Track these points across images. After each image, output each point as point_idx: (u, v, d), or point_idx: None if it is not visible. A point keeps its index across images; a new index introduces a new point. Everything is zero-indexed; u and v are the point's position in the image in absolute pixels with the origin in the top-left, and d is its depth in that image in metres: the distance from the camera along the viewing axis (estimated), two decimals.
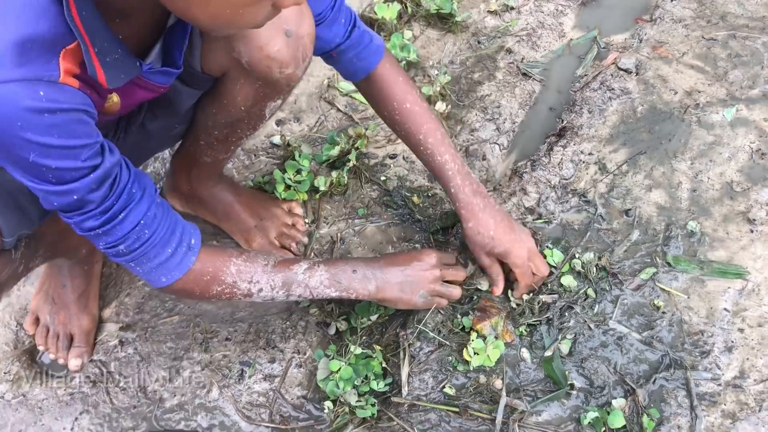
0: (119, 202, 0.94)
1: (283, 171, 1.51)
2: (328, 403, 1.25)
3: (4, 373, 1.37)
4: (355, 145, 1.56)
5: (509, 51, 1.73)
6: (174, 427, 1.28)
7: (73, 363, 1.37)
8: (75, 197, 0.89)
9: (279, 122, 1.66)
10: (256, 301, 1.17)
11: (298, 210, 1.49)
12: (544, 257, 1.35)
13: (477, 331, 1.29)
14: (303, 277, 1.15)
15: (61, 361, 1.38)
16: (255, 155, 1.61)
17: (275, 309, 1.40)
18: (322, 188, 1.50)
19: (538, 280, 1.33)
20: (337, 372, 1.25)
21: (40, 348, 1.39)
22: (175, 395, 1.32)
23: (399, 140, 1.36)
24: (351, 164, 1.52)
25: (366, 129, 1.59)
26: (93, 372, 1.36)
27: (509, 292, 1.33)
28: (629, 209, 1.43)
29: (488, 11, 1.81)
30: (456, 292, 1.29)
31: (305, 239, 1.47)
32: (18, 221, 1.06)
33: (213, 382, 1.32)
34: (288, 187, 1.50)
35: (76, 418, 1.31)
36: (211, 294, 1.10)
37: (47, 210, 0.94)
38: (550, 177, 1.49)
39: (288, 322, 1.38)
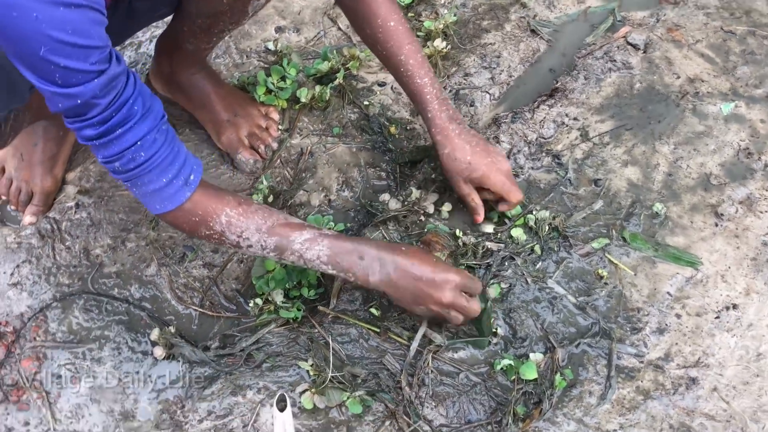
0: (118, 115, 0.98)
1: (268, 75, 1.57)
2: (257, 300, 1.32)
3: None
4: (346, 65, 1.61)
5: (524, 5, 1.76)
6: (107, 291, 1.36)
7: (28, 219, 1.46)
8: (78, 101, 0.93)
9: (278, 29, 1.71)
10: (246, 253, 1.20)
11: (275, 115, 1.56)
12: None
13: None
14: (299, 247, 1.15)
15: (15, 214, 1.47)
16: (247, 56, 1.67)
17: None
18: (302, 100, 1.56)
19: (512, 207, 1.38)
20: (271, 271, 1.32)
21: (10, 207, 1.48)
22: (115, 263, 1.40)
23: None
24: (337, 82, 1.58)
25: (361, 52, 1.64)
26: (44, 227, 1.45)
27: (457, 230, 1.38)
28: (599, 179, 1.47)
29: None
30: (458, 321, 1.22)
31: (275, 145, 1.53)
32: (9, 97, 1.11)
33: (154, 258, 1.40)
34: (269, 91, 1.57)
35: (18, 266, 1.40)
36: (199, 235, 1.13)
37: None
38: (528, 132, 1.54)
39: None
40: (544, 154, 1.51)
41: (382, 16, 1.30)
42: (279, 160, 1.53)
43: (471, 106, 1.62)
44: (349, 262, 1.16)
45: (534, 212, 1.41)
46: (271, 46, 1.66)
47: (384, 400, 1.23)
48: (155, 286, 1.38)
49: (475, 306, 1.22)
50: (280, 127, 1.56)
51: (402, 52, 1.31)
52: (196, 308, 1.36)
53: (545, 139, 1.54)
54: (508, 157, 1.50)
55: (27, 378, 1.29)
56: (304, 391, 1.24)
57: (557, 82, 1.63)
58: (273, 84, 1.56)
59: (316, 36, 1.71)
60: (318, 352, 1.28)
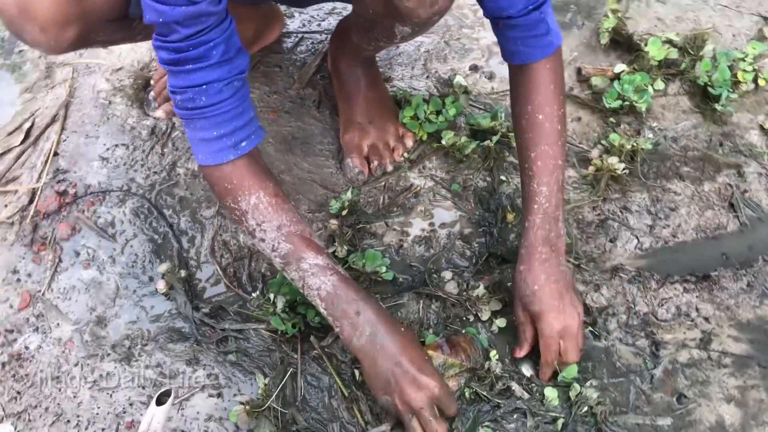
0: (194, 51, 1.00)
1: (426, 102, 1.52)
2: (259, 294, 1.28)
3: (119, 84, 1.61)
4: (507, 134, 1.50)
5: (741, 174, 1.51)
6: (161, 208, 1.41)
7: (159, 113, 1.57)
8: (161, 20, 0.97)
9: (473, 67, 1.65)
10: (256, 245, 1.16)
11: (408, 141, 1.51)
12: None
13: (428, 354, 1.22)
14: (306, 267, 1.10)
15: (153, 104, 1.58)
16: (427, 75, 1.63)
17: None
18: (443, 142, 1.48)
19: (563, 365, 1.22)
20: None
21: (153, 94, 1.60)
22: (186, 189, 1.46)
23: None
24: (487, 144, 1.47)
25: None
26: (160, 127, 1.55)
27: (494, 353, 1.23)
28: (687, 397, 1.23)
29: (759, 125, 1.58)
30: None
31: (390, 167, 1.48)
32: None
33: (217, 206, 1.42)
34: (416, 118, 1.51)
35: (117, 146, 1.53)
36: (224, 203, 1.12)
37: None
38: (640, 302, 1.33)
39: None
40: (643, 334, 1.29)
41: (535, 104, 1.19)
42: (384, 184, 1.47)
43: (610, 241, 1.43)
44: (344, 311, 1.09)
45: (583, 384, 1.21)
46: (458, 79, 1.60)
47: None
48: (201, 228, 1.41)
49: (439, 428, 1.08)
50: (406, 155, 1.50)
51: (535, 149, 1.20)
52: (218, 269, 1.36)
53: (656, 320, 1.31)
54: (597, 316, 1.30)
55: (55, 238, 1.39)
56: (241, 403, 1.18)
57: (716, 271, 1.37)
58: (425, 113, 1.50)
59: (503, 92, 1.62)
60: (279, 376, 1.22)
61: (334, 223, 1.38)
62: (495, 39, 1.26)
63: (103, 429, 1.19)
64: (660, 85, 1.63)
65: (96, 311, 1.32)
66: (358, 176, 1.47)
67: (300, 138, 1.52)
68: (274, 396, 1.20)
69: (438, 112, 1.53)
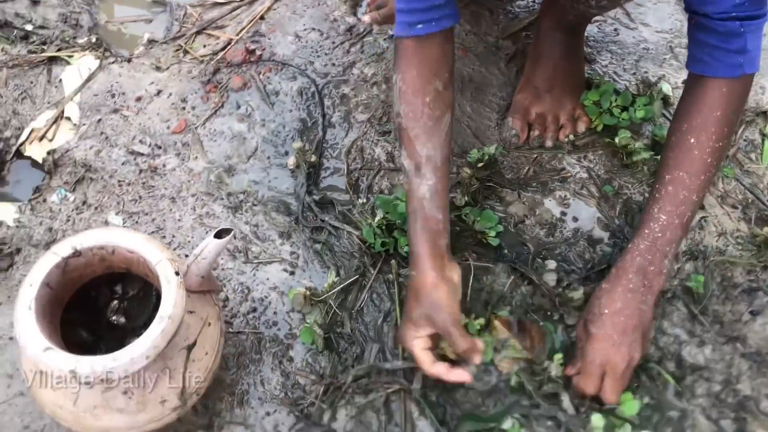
0: None
1: (616, 94, 1.44)
2: (364, 200, 1.33)
3: None
4: None
5: None
6: (331, 91, 1.50)
7: (366, 18, 1.63)
8: None
9: None
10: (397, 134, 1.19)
11: (582, 126, 1.46)
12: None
13: (492, 331, 1.19)
14: (423, 175, 1.14)
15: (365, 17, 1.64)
16: (634, 73, 1.54)
17: None
18: (616, 140, 1.40)
19: (594, 399, 1.16)
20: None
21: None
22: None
23: None
24: None
25: None
26: (361, 24, 1.62)
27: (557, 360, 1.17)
28: None
29: None
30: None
31: (549, 143, 1.44)
32: None
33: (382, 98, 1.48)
34: (599, 104, 1.43)
35: (314, 29, 1.62)
36: (394, 74, 1.16)
37: None
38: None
39: None
40: (732, 416, 1.15)
41: (693, 124, 1.09)
42: (536, 156, 1.43)
43: (750, 313, 1.28)
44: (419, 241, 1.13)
45: (637, 429, 1.11)
46: (663, 84, 1.49)
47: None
48: (349, 127, 1.47)
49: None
50: (572, 137, 1.44)
51: (672, 173, 1.10)
52: (346, 167, 1.42)
53: (756, 409, 1.16)
54: (689, 373, 1.17)
55: (227, 86, 1.52)
56: (305, 287, 1.24)
57: None
58: (610, 103, 1.43)
59: None
60: (349, 280, 1.26)
61: (467, 171, 1.37)
62: None
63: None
64: None
65: (231, 160, 1.44)
66: (513, 138, 1.44)
67: (476, 83, 1.52)
68: (335, 292, 1.24)
69: (625, 109, 1.44)
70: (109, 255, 1.04)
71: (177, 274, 0.99)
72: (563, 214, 1.38)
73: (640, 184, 1.40)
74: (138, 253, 1.01)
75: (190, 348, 1.04)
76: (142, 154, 1.46)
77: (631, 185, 1.41)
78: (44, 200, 1.42)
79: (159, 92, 1.54)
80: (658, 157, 1.39)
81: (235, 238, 1.32)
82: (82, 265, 1.04)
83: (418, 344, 1.11)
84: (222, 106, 1.51)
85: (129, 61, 1.61)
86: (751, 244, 1.35)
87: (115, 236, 1.03)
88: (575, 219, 1.38)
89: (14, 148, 1.52)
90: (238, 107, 1.51)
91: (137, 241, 1.02)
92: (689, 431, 1.16)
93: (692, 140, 1.09)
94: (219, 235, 1.03)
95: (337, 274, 1.29)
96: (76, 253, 1.02)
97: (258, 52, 1.57)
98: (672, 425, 1.16)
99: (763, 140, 1.47)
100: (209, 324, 1.08)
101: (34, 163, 1.50)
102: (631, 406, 1.16)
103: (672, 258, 1.10)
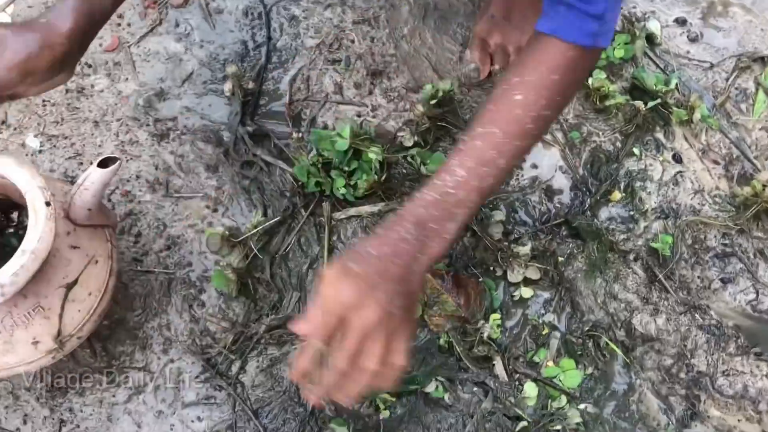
0: None
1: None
2: (299, 135, 1.21)
3: None
4: (667, 104, 1.24)
5: None
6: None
7: None
8: None
9: (681, 21, 1.36)
10: None
11: None
12: None
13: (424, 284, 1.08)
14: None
15: None
16: None
17: None
18: (589, 81, 1.25)
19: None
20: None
21: None
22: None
23: None
24: (638, 105, 1.23)
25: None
26: None
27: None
28: None
29: None
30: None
31: None
32: None
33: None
34: None
35: None
36: None
37: None
38: None
39: None
40: (683, 392, 1.04)
41: (524, 80, 0.87)
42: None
43: (721, 280, 1.15)
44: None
45: (573, 402, 1.00)
46: (651, 21, 1.34)
47: None
48: (295, 54, 1.33)
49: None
50: None
51: (486, 126, 0.86)
52: (287, 97, 1.29)
53: (711, 388, 1.05)
54: (638, 344, 1.05)
55: (167, 3, 1.39)
56: (223, 227, 1.13)
57: None
58: None
59: (699, 62, 1.33)
60: (275, 220, 1.15)
61: (419, 109, 1.24)
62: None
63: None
64: None
65: (163, 83, 1.32)
66: (471, 72, 1.30)
67: (441, 10, 1.37)
68: (258, 234, 1.13)
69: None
70: None
71: (48, 204, 0.88)
72: (522, 160, 1.25)
73: (612, 132, 1.26)
74: (8, 179, 0.90)
75: (69, 287, 0.93)
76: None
77: (601, 132, 1.26)
78: None
79: None
80: (636, 102, 1.25)
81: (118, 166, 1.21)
82: None
83: None
84: (160, 23, 1.37)
85: None
86: (730, 205, 1.22)
87: None
88: (535, 166, 1.24)
89: None
90: (177, 26, 1.37)
91: (8, 166, 0.91)
92: (635, 407, 1.06)
93: (519, 97, 0.87)
94: (105, 164, 0.92)
95: (264, 215, 1.18)
96: None
97: None
98: (616, 399, 1.06)
99: (757, 89, 1.32)
100: (96, 262, 0.97)
101: None
102: (572, 377, 1.06)
103: (459, 227, 0.84)
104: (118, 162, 0.93)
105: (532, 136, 0.90)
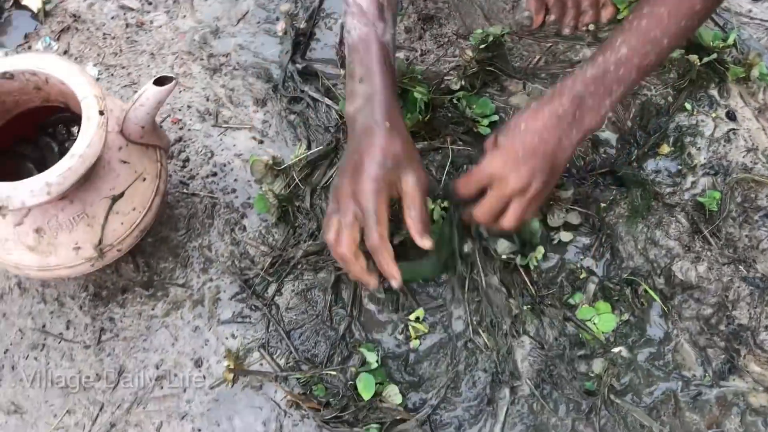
0: None
1: None
2: None
3: None
4: (724, 60, 1.21)
5: None
6: None
7: None
8: None
9: None
10: None
11: (605, 15, 1.29)
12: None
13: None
14: (347, 4, 0.98)
15: None
16: None
17: None
18: None
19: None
20: None
21: None
22: None
23: None
24: (693, 60, 1.20)
25: None
26: None
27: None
28: None
29: None
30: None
31: (566, 31, 1.28)
32: None
33: None
34: None
35: None
36: None
37: None
38: None
39: None
40: (723, 345, 1.01)
41: None
42: (550, 46, 1.27)
43: None
44: (353, 71, 0.96)
45: (605, 337, 0.99)
46: None
47: None
48: None
49: (345, 238, 0.93)
50: (592, 27, 1.27)
51: (653, 6, 0.90)
52: (337, 37, 1.30)
53: (753, 343, 1.01)
54: (678, 292, 1.03)
55: None
56: (271, 156, 1.15)
57: None
58: None
59: (761, 21, 1.29)
60: (319, 155, 1.16)
61: (468, 54, 1.24)
62: None
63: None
64: None
65: (219, 22, 1.35)
66: (525, 20, 1.29)
67: None
68: (301, 165, 1.15)
69: None
70: (44, 84, 0.96)
71: (101, 113, 0.91)
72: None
73: (664, 86, 1.24)
74: (68, 86, 0.94)
75: (115, 199, 0.97)
76: (132, 9, 1.38)
77: (653, 87, 1.24)
78: (29, 47, 1.36)
79: None
80: (690, 56, 1.22)
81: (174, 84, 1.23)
82: (16, 89, 0.98)
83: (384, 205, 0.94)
84: None
85: None
86: None
87: (48, 63, 0.95)
88: None
89: None
90: None
91: (70, 72, 0.94)
92: (670, 356, 1.03)
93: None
94: (161, 82, 0.95)
95: (308, 147, 1.19)
96: (8, 75, 0.95)
97: None
98: (651, 347, 1.04)
99: None
100: (144, 179, 1.00)
101: (36, 16, 1.45)
102: (607, 320, 1.04)
103: (614, 102, 0.92)
104: (174, 81, 0.96)
105: (699, 17, 0.93)
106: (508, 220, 0.94)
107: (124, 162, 0.99)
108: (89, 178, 0.95)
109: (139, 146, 1.01)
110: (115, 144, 0.99)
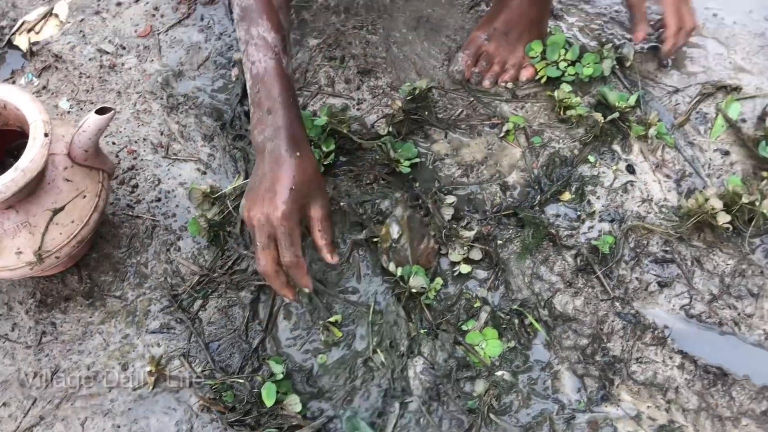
0: None
1: (566, 49, 1.39)
2: None
3: None
4: (626, 118, 1.33)
5: None
6: None
7: None
8: None
9: (656, 48, 1.45)
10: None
11: (525, 75, 1.43)
12: None
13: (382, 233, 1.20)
14: (254, 33, 1.08)
15: None
16: (600, 33, 1.48)
17: None
18: (556, 93, 1.36)
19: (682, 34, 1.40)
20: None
21: None
22: None
23: None
24: (598, 117, 1.32)
25: None
26: None
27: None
28: None
29: None
30: (259, 261, 1.04)
31: (487, 83, 1.41)
32: None
33: None
34: (545, 57, 1.39)
35: None
36: None
37: None
38: None
39: None
40: (596, 372, 1.09)
41: None
42: (472, 100, 1.40)
43: (659, 284, 1.22)
44: (260, 101, 1.06)
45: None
46: (626, 47, 1.43)
47: None
48: (300, 45, 1.49)
49: (261, 256, 1.02)
50: (511, 85, 1.40)
51: None
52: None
53: (625, 372, 1.10)
54: (555, 323, 1.12)
55: None
56: (210, 184, 1.28)
57: (744, 377, 1.10)
58: (559, 55, 1.38)
59: (668, 87, 1.41)
60: None
61: (397, 104, 1.37)
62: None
63: (116, 146, 1.39)
64: None
65: (183, 66, 1.49)
66: (456, 73, 1.43)
67: (433, 23, 1.51)
68: (235, 194, 1.27)
69: (573, 63, 1.39)
70: (2, 109, 1.11)
71: (46, 135, 1.04)
72: (486, 157, 1.35)
73: (572, 140, 1.36)
74: (21, 111, 1.08)
75: (56, 211, 1.10)
76: (108, 53, 1.54)
77: (561, 140, 1.36)
78: (14, 81, 1.52)
79: (138, 0, 1.62)
80: (596, 114, 1.34)
81: (112, 115, 1.37)
82: None
83: (296, 229, 1.04)
84: (188, 16, 1.56)
85: None
86: (675, 215, 1.28)
87: (6, 92, 1.09)
88: (495, 164, 1.34)
89: (7, 38, 1.63)
90: (202, 19, 1.56)
91: (23, 99, 1.08)
92: (550, 382, 1.13)
93: None
94: (102, 111, 1.08)
95: (245, 179, 1.32)
96: None
97: None
98: (533, 373, 1.13)
99: (716, 115, 1.38)
100: (84, 196, 1.13)
101: (25, 55, 1.61)
102: (493, 346, 1.14)
103: None
104: (113, 112, 1.09)
105: None
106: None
107: (68, 180, 1.12)
108: (34, 191, 1.09)
109: (84, 168, 1.15)
110: (61, 164, 1.13)
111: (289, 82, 1.09)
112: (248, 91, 1.09)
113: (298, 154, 1.05)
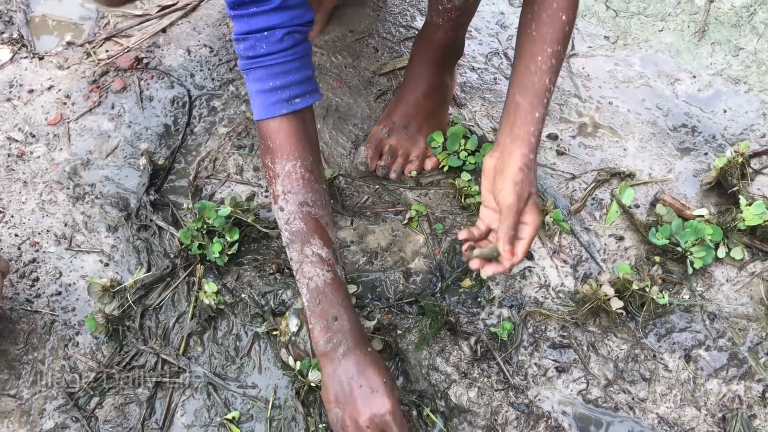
0: None
1: (466, 139, 1.45)
2: (190, 205, 1.35)
3: None
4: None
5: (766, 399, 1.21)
6: None
7: None
8: None
9: (553, 136, 1.52)
10: (273, 209, 1.17)
11: (428, 165, 1.48)
12: None
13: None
14: (308, 252, 1.12)
15: None
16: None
17: None
18: (456, 181, 1.40)
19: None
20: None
21: None
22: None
23: None
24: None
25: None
26: None
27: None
28: None
29: None
30: None
31: (393, 175, 1.46)
32: None
33: None
34: (448, 153, 1.45)
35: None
36: (264, 160, 1.15)
37: None
38: None
39: None
40: None
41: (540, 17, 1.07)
42: (377, 188, 1.44)
43: (556, 369, 1.25)
44: (324, 311, 1.10)
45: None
46: None
47: None
48: (207, 137, 1.52)
49: None
50: (414, 173, 1.45)
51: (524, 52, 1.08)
52: (192, 173, 1.46)
53: None
54: (454, 414, 1.13)
55: (107, 88, 1.60)
56: (109, 279, 1.28)
57: None
58: (459, 145, 1.44)
59: (565, 174, 1.47)
60: (155, 279, 1.29)
61: None
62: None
63: (18, 238, 1.38)
64: (739, 254, 1.36)
65: (91, 155, 1.50)
66: (361, 165, 1.47)
67: (341, 113, 1.56)
68: (136, 288, 1.27)
69: (473, 153, 1.45)
70: None
71: None
72: (390, 245, 1.39)
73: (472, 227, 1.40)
74: None
75: None
76: (17, 141, 1.54)
77: (462, 226, 1.40)
78: None
79: (50, 87, 1.63)
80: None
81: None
82: None
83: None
84: (98, 105, 1.58)
85: (42, 58, 1.71)
86: (572, 300, 1.33)
87: None
88: (399, 250, 1.38)
89: None
90: (113, 107, 1.58)
91: None
92: None
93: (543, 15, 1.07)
94: None
95: (148, 271, 1.32)
96: None
97: (146, 60, 1.65)
98: None
99: (611, 201, 1.45)
100: None
101: None
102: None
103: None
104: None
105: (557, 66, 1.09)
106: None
107: None
108: None
109: None
110: None
111: (347, 290, 1.15)
112: (306, 305, 1.12)
113: (369, 349, 1.11)
